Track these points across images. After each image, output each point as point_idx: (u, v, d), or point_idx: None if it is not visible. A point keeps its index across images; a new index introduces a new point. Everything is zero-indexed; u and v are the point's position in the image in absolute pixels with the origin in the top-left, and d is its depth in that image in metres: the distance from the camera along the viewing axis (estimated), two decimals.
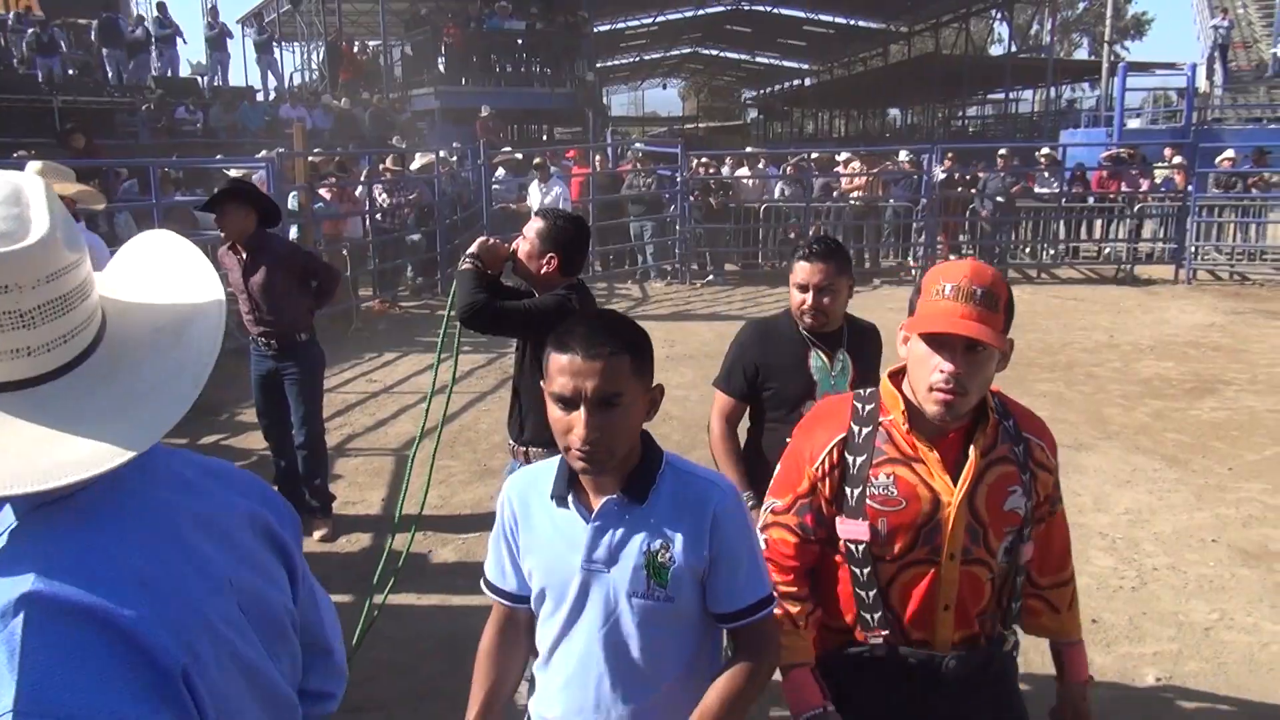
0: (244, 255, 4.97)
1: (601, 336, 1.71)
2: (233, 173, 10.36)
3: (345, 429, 7.10)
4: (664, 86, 65.83)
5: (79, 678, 0.87)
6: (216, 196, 4.87)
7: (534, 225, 3.33)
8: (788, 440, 2.16)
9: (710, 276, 13.56)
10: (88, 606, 0.92)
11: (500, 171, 13.55)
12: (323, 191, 10.43)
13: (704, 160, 14.29)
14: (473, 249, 3.31)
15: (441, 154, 13.20)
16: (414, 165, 12.95)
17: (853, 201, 13.73)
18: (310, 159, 10.58)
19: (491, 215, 11.85)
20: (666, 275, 13.70)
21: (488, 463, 6.32)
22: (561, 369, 1.73)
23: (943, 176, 13.48)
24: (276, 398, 5.17)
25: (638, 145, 15.09)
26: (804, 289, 3.08)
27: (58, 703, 0.86)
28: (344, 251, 10.50)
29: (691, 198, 13.36)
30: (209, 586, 1.07)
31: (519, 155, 14.04)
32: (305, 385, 5.14)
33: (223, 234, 4.93)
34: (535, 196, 11.21)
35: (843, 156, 14.87)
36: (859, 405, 2.03)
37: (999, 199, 13.74)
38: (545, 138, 32.90)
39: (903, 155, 14.82)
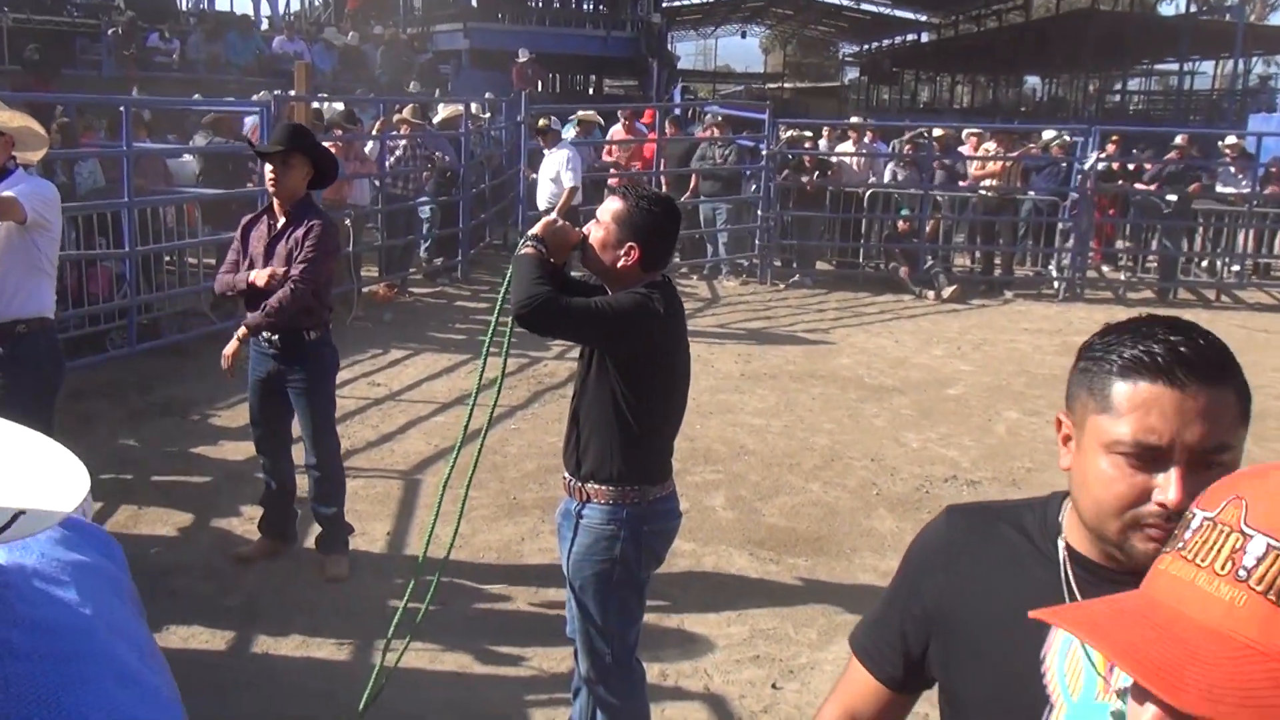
0: (277, 223, 5.04)
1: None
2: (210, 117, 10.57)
3: (344, 442, 7.14)
4: (742, 35, 65.58)
5: None
6: (284, 142, 4.90)
7: (610, 206, 3.31)
8: None
9: (797, 277, 13.51)
10: None
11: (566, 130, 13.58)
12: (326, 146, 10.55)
13: (796, 130, 14.26)
14: (536, 230, 3.32)
15: (474, 106, 13.27)
16: (436, 118, 13.08)
17: (983, 192, 13.61)
18: (316, 105, 10.71)
19: (529, 186, 11.91)
20: (742, 272, 13.68)
21: (517, 495, 6.34)
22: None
23: (1101, 166, 13.32)
24: (276, 405, 5.23)
25: (715, 107, 15.08)
26: (1151, 459, 1.41)
27: None
28: (346, 221, 10.60)
29: (779, 177, 13.34)
30: None
31: (589, 112, 14.01)
32: (315, 395, 5.18)
33: (272, 188, 4.98)
34: (551, 166, 10.99)
35: (970, 134, 14.74)
36: None
37: (1169, 198, 13.54)
38: (591, 91, 33.09)
39: (1047, 135, 14.67)
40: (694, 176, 13.69)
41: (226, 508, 6.00)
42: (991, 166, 13.67)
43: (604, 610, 3.37)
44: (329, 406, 5.31)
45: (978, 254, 14.29)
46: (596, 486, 3.33)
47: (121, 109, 8.70)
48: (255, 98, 10.96)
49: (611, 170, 13.66)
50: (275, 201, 5.04)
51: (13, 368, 4.58)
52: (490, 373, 3.68)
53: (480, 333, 10.24)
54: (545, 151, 10.99)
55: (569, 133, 13.61)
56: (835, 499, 6.47)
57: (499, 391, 3.62)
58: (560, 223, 3.37)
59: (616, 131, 14.29)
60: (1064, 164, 13.75)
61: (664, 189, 12.86)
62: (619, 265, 3.26)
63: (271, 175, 4.94)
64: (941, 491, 6.63)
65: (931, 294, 12.78)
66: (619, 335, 3.20)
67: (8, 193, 4.52)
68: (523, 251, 3.25)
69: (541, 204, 10.86)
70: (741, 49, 70.26)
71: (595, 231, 3.31)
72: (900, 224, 13.50)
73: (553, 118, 11.18)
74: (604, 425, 3.31)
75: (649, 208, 3.27)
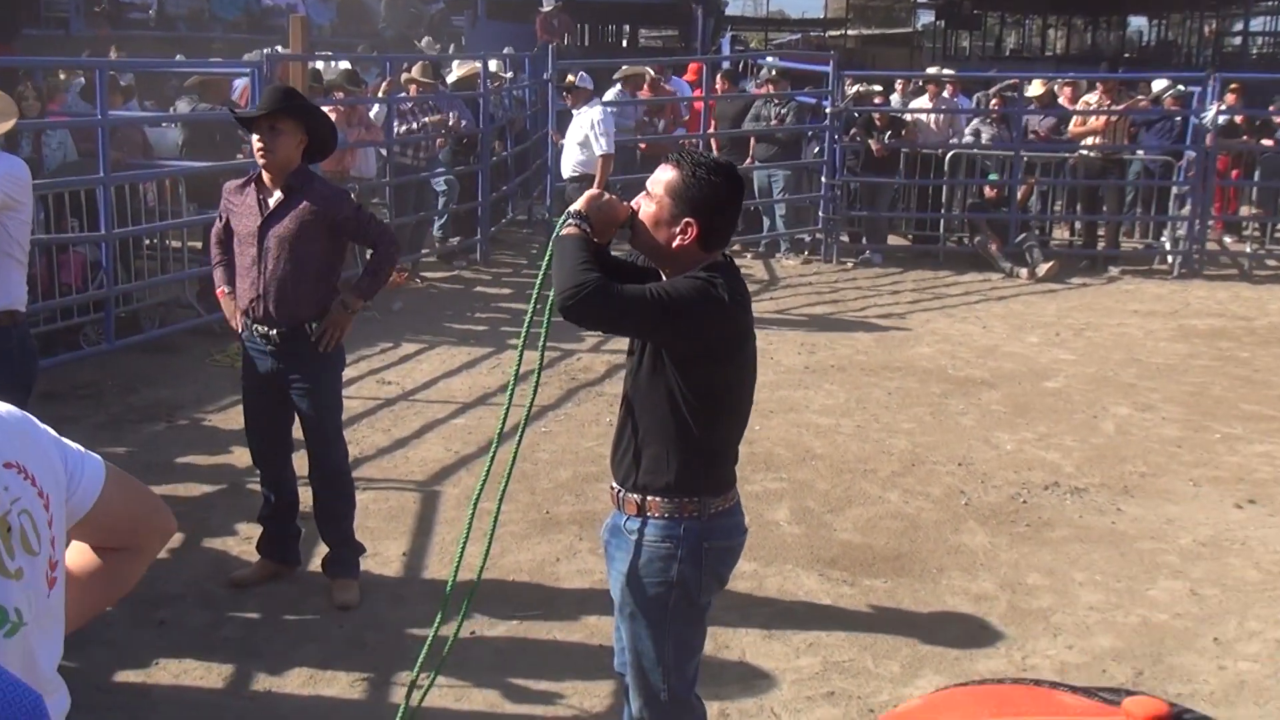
0: (273, 197, 5.06)
1: None
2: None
3: (351, 449, 7.18)
4: None
5: None
6: (271, 106, 4.91)
7: (663, 176, 3.28)
8: None
9: (867, 253, 13.44)
10: None
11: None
12: (325, 110, 10.61)
13: (864, 85, 14.17)
14: (578, 205, 3.30)
15: (493, 63, 13.30)
16: (451, 77, 13.12)
17: (1085, 152, 13.47)
18: (315, 65, 10.76)
19: (557, 153, 11.91)
20: (803, 249, 13.63)
21: (551, 509, 6.35)
22: None
23: (1222, 120, 13.14)
24: (275, 408, 5.26)
25: (771, 60, 15.03)
26: None
27: None
28: (350, 197, 10.67)
29: (845, 138, 13.27)
30: None
31: (636, 66, 13.99)
32: (320, 396, 5.20)
33: (262, 160, 5.00)
34: (578, 129, 10.84)
35: (1065, 85, 14.57)
36: None
37: None
38: (625, 43, 33.08)
39: (1158, 85, 14.50)
40: (750, 142, 13.65)
41: (220, 526, 6.04)
42: (1093, 122, 13.52)
43: (659, 640, 3.35)
44: (336, 409, 5.33)
45: (1078, 224, 14.16)
46: (651, 498, 3.32)
47: (95, 72, 8.78)
48: (246, 57, 11.05)
49: (640, 136, 13.68)
50: (266, 175, 5.06)
51: None
52: (523, 366, 3.67)
53: (504, 322, 10.29)
54: (574, 112, 10.95)
55: (612, 93, 13.62)
56: (917, 510, 6.42)
57: (536, 389, 3.61)
58: (606, 196, 3.34)
59: (646, 91, 14.28)
60: (1178, 118, 13.58)
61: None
62: (674, 245, 3.24)
63: (260, 145, 4.94)
64: (1041, 500, 6.58)
65: (1024, 272, 12.68)
66: (679, 327, 3.17)
67: None
68: (564, 231, 3.23)
69: (566, 172, 10.83)
70: None
71: (646, 206, 3.28)
72: (987, 190, 13.39)
73: (581, 73, 11.10)
74: (659, 428, 3.29)
75: (708, 177, 3.23)
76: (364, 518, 6.05)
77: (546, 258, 3.27)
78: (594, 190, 3.39)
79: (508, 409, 3.64)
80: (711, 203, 3.23)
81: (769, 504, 6.44)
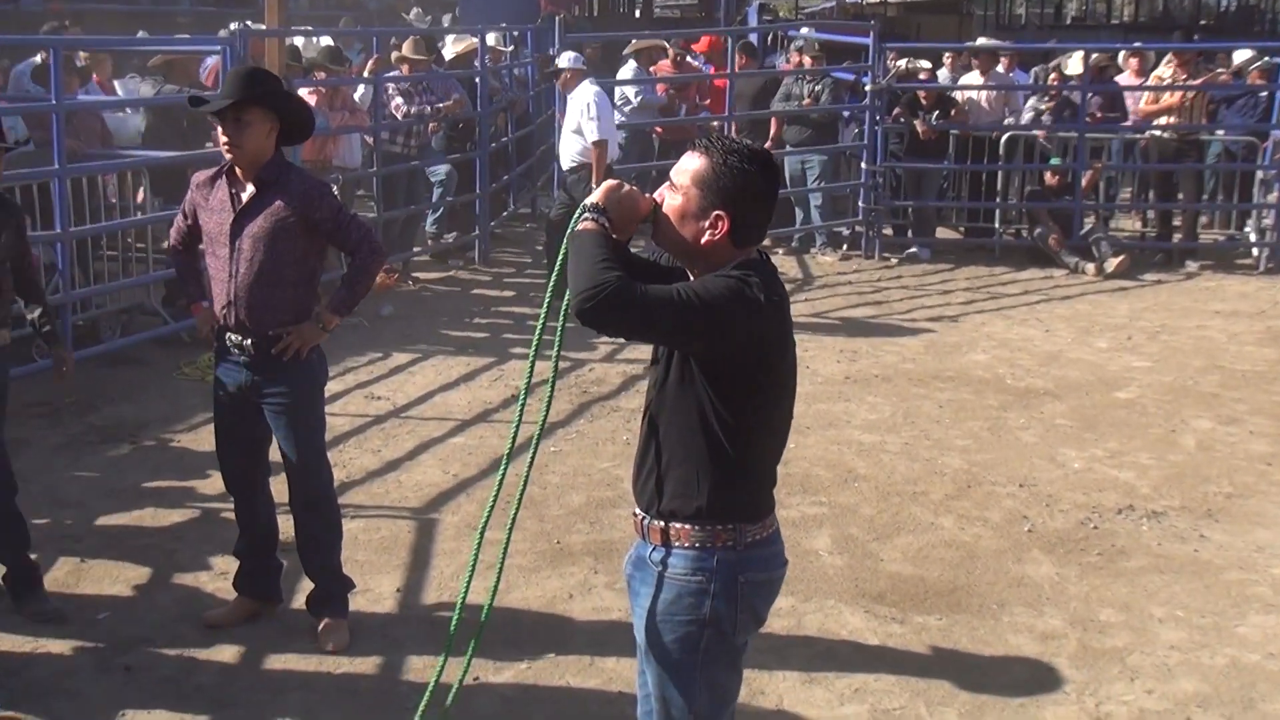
0: (244, 192, 5.08)
1: None
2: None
3: (337, 472, 7.21)
4: None
5: None
6: (235, 94, 4.93)
7: (690, 165, 3.29)
8: None
9: (914, 248, 13.43)
10: None
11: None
12: (305, 93, 10.66)
13: (909, 59, 14.16)
14: (595, 197, 3.31)
15: (491, 38, 13.34)
16: (447, 53, 13.15)
17: (1158, 133, 13.44)
18: (293, 41, 10.81)
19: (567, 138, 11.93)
20: (841, 244, 13.62)
21: (562, 538, 6.36)
22: None
23: None
24: (250, 427, 5.28)
25: (806, 31, 15.03)
26: None
27: None
28: (333, 188, 10.69)
29: (887, 119, 13.27)
30: None
31: (651, 40, 14.04)
32: (300, 413, 5.22)
33: (230, 155, 5.02)
34: (571, 115, 10.81)
35: (1130, 56, 14.54)
36: None
37: None
38: (639, 14, 33.17)
39: (1241, 57, 14.45)
40: (773, 122, 13.65)
41: (192, 559, 6.06)
42: (1167, 99, 13.50)
43: (689, 686, 3.33)
44: (318, 428, 5.35)
45: (1150, 214, 14.13)
46: (679, 526, 3.32)
47: (50, 51, 8.83)
48: (220, 33, 11.08)
49: (657, 119, 13.72)
50: (237, 169, 5.09)
51: None
52: (534, 377, 3.67)
53: (507, 329, 10.33)
54: (567, 97, 10.94)
55: (627, 70, 13.67)
56: (975, 538, 6.42)
57: (549, 403, 3.62)
58: (626, 187, 3.35)
59: (663, 66, 14.31)
60: (1263, 94, 13.55)
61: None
62: (703, 240, 3.26)
63: (225, 139, 4.98)
64: (1114, 526, 6.57)
65: (1091, 267, 12.66)
66: (711, 333, 3.17)
67: None
68: (581, 226, 3.24)
69: (565, 163, 10.85)
70: None
71: (671, 198, 3.29)
72: (1048, 177, 13.38)
73: (570, 53, 11.10)
74: (689, 447, 3.29)
75: (740, 165, 3.24)
76: (353, 549, 6.07)
77: (560, 256, 3.28)
78: (613, 181, 3.38)
79: (517, 426, 3.63)
80: (745, 193, 3.24)
81: (807, 531, 6.44)
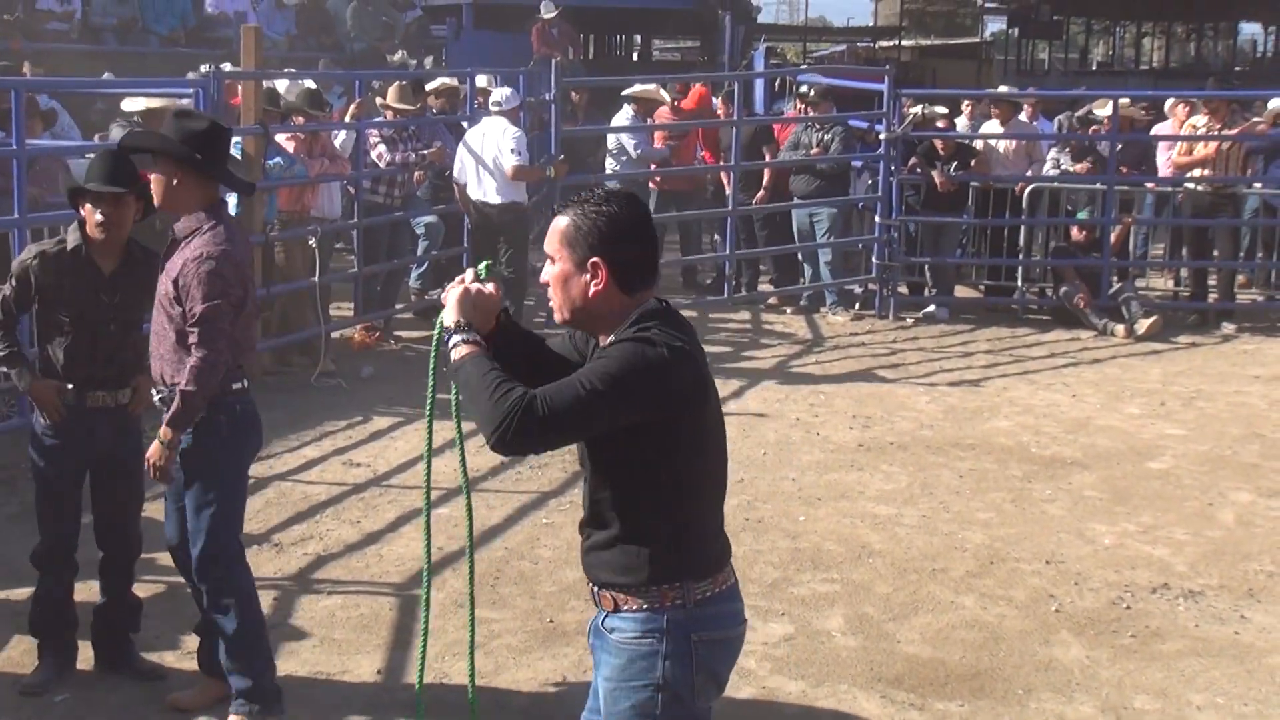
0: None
1: None
2: (136, 104, 10.78)
3: (310, 544, 7.21)
4: None
5: None
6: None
7: (554, 228, 3.47)
8: None
9: (931, 307, 13.46)
10: None
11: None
12: (282, 139, 10.73)
13: (924, 105, 14.26)
14: (453, 315, 3.43)
15: (481, 80, 13.45)
16: (430, 86, 13.26)
17: (1193, 185, 13.51)
18: (270, 85, 10.88)
19: (565, 190, 12.01)
20: (854, 302, 13.67)
21: (556, 616, 6.35)
22: None
23: None
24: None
25: (814, 77, 15.15)
26: None
27: None
28: (311, 242, 10.75)
29: (902, 170, 13.35)
30: None
31: (647, 86, 14.26)
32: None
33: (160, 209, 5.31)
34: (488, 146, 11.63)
35: (1175, 104, 14.65)
36: None
37: None
38: (636, 56, 33.43)
39: (1277, 104, 14.56)
40: (765, 173, 13.78)
41: (157, 637, 6.03)
42: (1201, 150, 13.59)
43: None
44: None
45: (1184, 273, 14.18)
46: (626, 590, 3.42)
47: (11, 94, 8.88)
48: (191, 75, 11.16)
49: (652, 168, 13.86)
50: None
51: None
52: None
53: None
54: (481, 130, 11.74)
55: (622, 117, 13.86)
56: (999, 618, 6.40)
57: (468, 495, 3.94)
58: (475, 289, 3.50)
59: (663, 114, 14.41)
60: None
61: (725, 186, 13.06)
62: (591, 294, 3.40)
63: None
64: (1149, 606, 6.55)
65: (1121, 329, 12.69)
66: (628, 410, 3.28)
67: None
68: (457, 355, 3.36)
69: (493, 199, 11.58)
70: None
71: (549, 270, 3.46)
72: (1074, 232, 13.44)
73: (504, 89, 11.89)
74: (623, 512, 3.40)
75: (600, 208, 3.42)
76: (330, 628, 6.06)
77: (452, 395, 3.51)
78: (456, 288, 3.49)
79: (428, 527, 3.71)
80: (613, 234, 3.39)
81: (819, 610, 6.42)
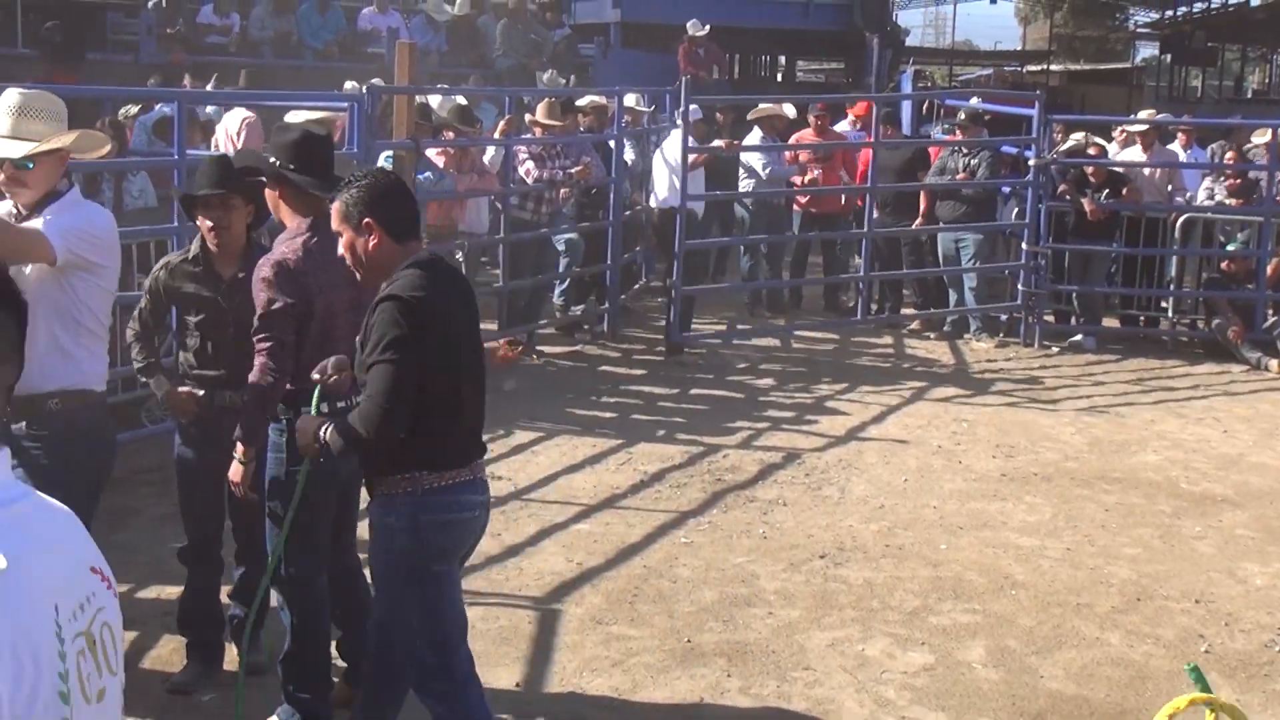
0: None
1: None
2: (298, 117, 11.06)
3: None
4: (992, 0, 66.03)
5: None
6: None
7: (333, 210, 4.53)
8: None
9: (1078, 336, 13.31)
10: None
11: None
12: (433, 154, 10.94)
13: (1084, 134, 14.11)
14: (307, 439, 4.60)
15: (630, 99, 13.57)
16: (580, 101, 13.47)
17: None
18: (424, 100, 11.09)
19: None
20: (998, 329, 13.56)
21: (694, 637, 6.37)
22: None
23: None
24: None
25: (972, 101, 15.07)
26: None
27: None
28: (459, 255, 10.93)
29: (1052, 196, 13.22)
30: None
31: (770, 104, 14.33)
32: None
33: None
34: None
35: None
36: None
37: None
38: (780, 77, 33.43)
39: None
40: (922, 195, 13.68)
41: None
42: None
43: (399, 604, 4.56)
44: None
45: None
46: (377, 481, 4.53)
47: (173, 105, 9.16)
48: (347, 87, 11.42)
49: (797, 184, 13.88)
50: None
51: (52, 449, 4.82)
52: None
53: (636, 409, 10.44)
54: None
55: (753, 137, 13.97)
56: (1145, 657, 6.32)
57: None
58: (332, 374, 4.79)
59: (806, 135, 14.40)
60: None
61: (875, 214, 13.10)
62: (371, 248, 4.40)
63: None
64: None
65: (1275, 364, 12.44)
66: (412, 355, 4.27)
67: (34, 223, 4.77)
68: (341, 437, 4.37)
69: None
70: (985, 17, 70.88)
71: (340, 243, 4.48)
72: (1226, 264, 13.20)
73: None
74: None
75: (357, 182, 4.46)
76: (470, 639, 6.14)
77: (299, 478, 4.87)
78: (322, 372, 4.83)
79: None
80: (373, 197, 4.41)
81: (959, 641, 6.39)
